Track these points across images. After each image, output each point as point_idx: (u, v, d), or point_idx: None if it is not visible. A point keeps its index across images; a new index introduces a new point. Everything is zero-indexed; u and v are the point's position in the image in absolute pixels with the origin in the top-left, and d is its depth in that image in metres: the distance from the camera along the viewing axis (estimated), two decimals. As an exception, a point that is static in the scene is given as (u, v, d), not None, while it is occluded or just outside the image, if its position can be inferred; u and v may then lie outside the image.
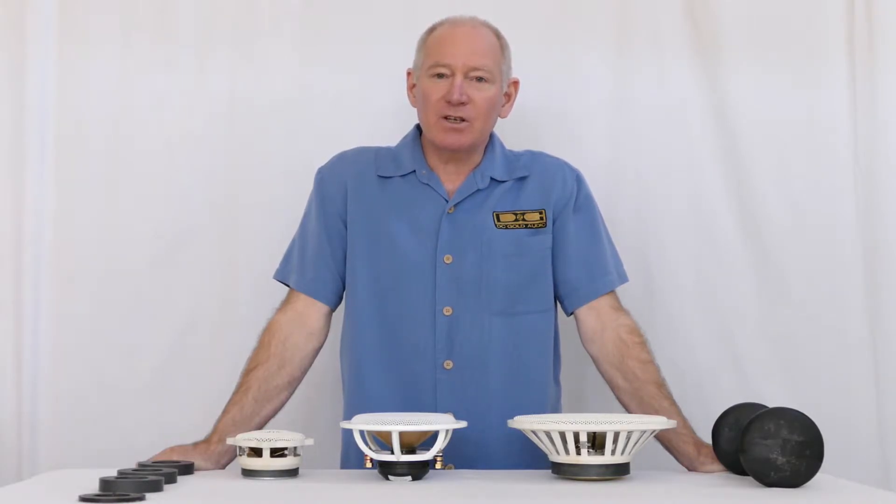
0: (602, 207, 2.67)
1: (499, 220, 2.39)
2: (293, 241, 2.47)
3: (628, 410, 2.38)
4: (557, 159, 2.50)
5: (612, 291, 2.44)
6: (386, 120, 2.72)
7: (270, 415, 2.36)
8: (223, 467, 2.29)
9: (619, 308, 2.44)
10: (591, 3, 2.84)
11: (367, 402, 2.35)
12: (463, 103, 2.33)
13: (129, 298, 2.77)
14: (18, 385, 2.73)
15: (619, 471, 2.07)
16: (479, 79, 2.34)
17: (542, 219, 2.41)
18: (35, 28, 2.76)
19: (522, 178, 2.44)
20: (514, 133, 2.66)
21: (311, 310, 2.40)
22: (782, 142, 2.82)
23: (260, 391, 2.34)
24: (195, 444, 2.30)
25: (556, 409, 2.46)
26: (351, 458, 2.36)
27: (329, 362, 2.54)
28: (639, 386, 2.36)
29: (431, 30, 2.41)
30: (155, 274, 2.78)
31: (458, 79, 2.33)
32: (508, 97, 2.44)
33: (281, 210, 2.72)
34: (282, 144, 2.80)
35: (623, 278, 2.48)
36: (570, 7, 2.84)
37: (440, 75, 2.34)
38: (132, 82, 2.79)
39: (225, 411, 2.33)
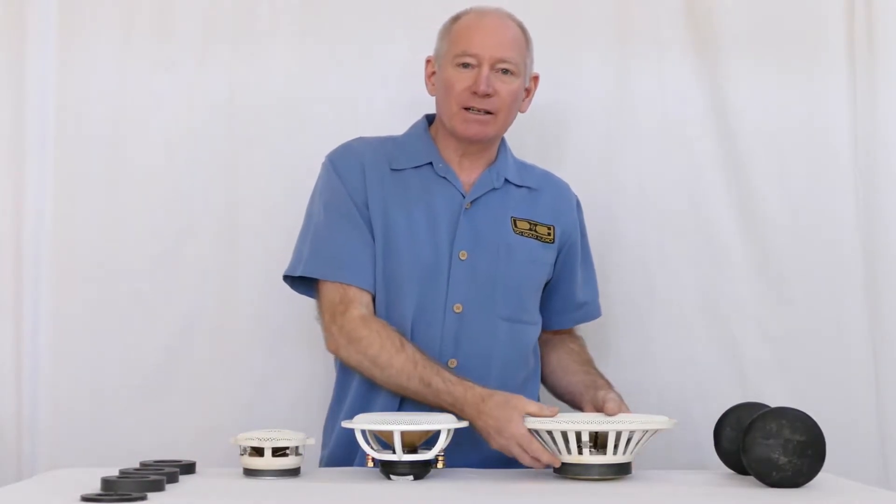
0: (602, 207, 2.69)
1: (516, 226, 2.38)
2: (316, 232, 2.36)
3: (554, 384, 2.44)
4: (563, 181, 2.52)
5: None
6: (386, 119, 2.70)
7: None
8: None
9: (570, 332, 2.52)
10: (591, 3, 2.84)
11: (362, 391, 2.33)
12: (489, 95, 2.30)
13: (128, 298, 2.76)
14: (18, 385, 2.71)
15: (621, 470, 2.07)
16: (505, 71, 2.32)
17: (549, 234, 2.41)
18: (35, 28, 2.75)
19: (533, 190, 2.44)
20: (513, 133, 2.65)
21: (369, 300, 2.32)
22: (782, 141, 2.82)
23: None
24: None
25: None
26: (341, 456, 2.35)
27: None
28: (566, 364, 2.43)
29: (456, 18, 2.38)
30: (155, 274, 2.77)
31: (485, 70, 2.30)
32: (528, 92, 2.42)
33: (281, 210, 2.72)
34: (282, 144, 2.80)
35: (599, 310, 2.55)
36: (569, 7, 2.84)
37: (465, 65, 2.31)
38: (132, 82, 2.78)
39: (449, 382, 2.20)
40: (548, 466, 2.11)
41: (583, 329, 2.58)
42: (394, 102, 2.73)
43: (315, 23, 2.82)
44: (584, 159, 2.81)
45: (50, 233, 2.75)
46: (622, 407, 2.15)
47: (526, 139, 2.74)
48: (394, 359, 2.24)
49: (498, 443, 2.13)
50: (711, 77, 2.83)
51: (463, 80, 2.31)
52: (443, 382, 2.20)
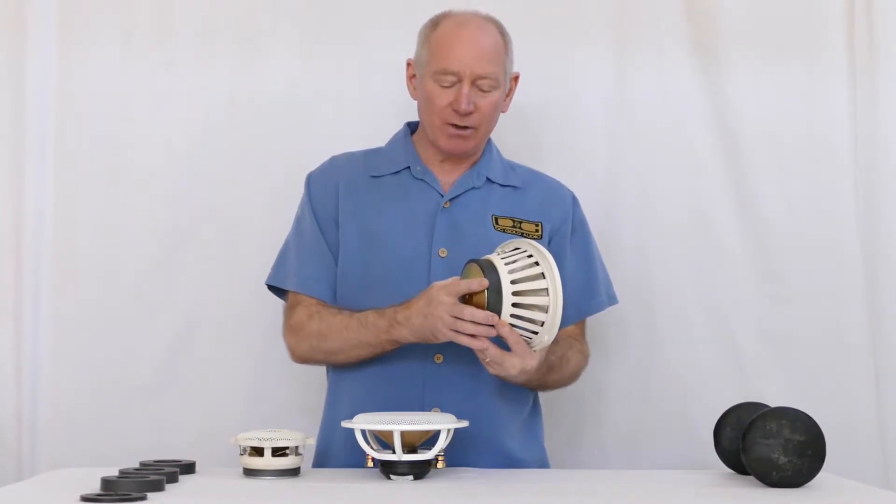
0: (602, 207, 2.68)
1: (497, 224, 2.38)
2: (286, 246, 2.44)
3: None
4: (555, 179, 2.49)
5: (583, 320, 2.45)
6: (386, 119, 2.70)
7: None
8: None
9: (582, 336, 2.43)
10: (591, 3, 2.84)
11: (352, 393, 2.33)
12: (470, 113, 2.31)
13: (129, 298, 2.76)
14: (18, 385, 2.72)
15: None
16: (485, 86, 2.31)
17: (537, 230, 2.39)
18: (35, 28, 2.75)
19: (518, 189, 2.42)
20: (514, 133, 2.66)
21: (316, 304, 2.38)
22: (782, 141, 2.82)
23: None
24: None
25: (536, 408, 2.45)
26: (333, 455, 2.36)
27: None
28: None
29: (435, 24, 2.36)
30: (155, 274, 2.77)
31: (466, 87, 2.29)
32: (509, 92, 2.41)
33: (281, 210, 2.70)
34: (282, 144, 2.80)
35: (612, 300, 2.48)
36: (570, 7, 2.84)
37: (446, 82, 2.31)
38: (132, 82, 2.79)
39: (380, 311, 2.25)
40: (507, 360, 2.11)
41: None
42: (393, 104, 2.72)
43: (315, 23, 2.82)
44: (583, 159, 2.81)
45: (50, 233, 2.75)
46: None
47: (525, 139, 2.75)
48: (332, 322, 2.30)
49: (433, 324, 2.15)
50: (711, 77, 2.83)
51: (444, 96, 2.31)
52: (375, 312, 2.25)
